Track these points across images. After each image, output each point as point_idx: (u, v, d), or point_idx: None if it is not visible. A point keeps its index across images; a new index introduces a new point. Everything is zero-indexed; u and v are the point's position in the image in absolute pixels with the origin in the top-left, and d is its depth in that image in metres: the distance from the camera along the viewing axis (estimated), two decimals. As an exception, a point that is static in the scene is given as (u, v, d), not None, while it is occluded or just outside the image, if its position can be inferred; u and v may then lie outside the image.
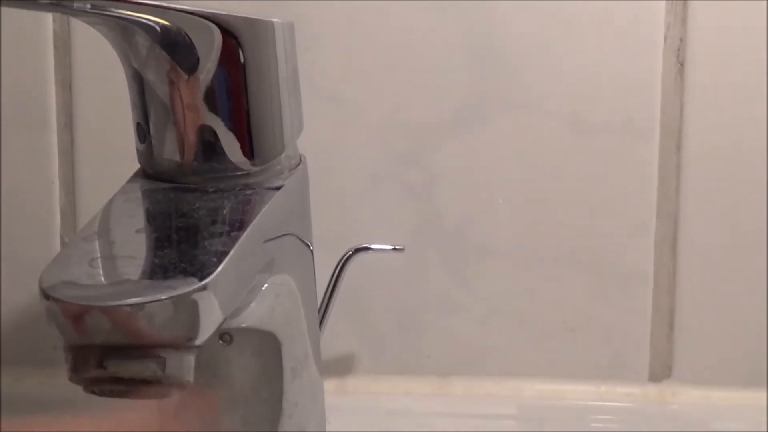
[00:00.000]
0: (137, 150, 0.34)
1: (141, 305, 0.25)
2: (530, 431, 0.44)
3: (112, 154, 0.45)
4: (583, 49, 0.44)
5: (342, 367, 0.48)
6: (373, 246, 0.42)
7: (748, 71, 0.44)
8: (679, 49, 0.44)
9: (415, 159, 0.46)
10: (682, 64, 0.44)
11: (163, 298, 0.25)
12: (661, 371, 0.46)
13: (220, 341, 0.34)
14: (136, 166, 0.35)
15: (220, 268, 0.27)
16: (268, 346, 0.36)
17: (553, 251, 0.46)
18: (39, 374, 0.47)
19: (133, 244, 0.28)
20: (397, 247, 0.42)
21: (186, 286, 0.26)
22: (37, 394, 0.46)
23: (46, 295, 0.25)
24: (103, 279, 0.26)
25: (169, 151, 0.33)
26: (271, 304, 0.35)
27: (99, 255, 0.27)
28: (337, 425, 0.43)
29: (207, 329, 0.27)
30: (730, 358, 0.46)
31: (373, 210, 0.46)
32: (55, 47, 0.46)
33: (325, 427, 0.40)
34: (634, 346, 0.46)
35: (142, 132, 0.33)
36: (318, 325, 0.39)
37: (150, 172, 0.34)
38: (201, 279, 0.26)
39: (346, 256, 0.42)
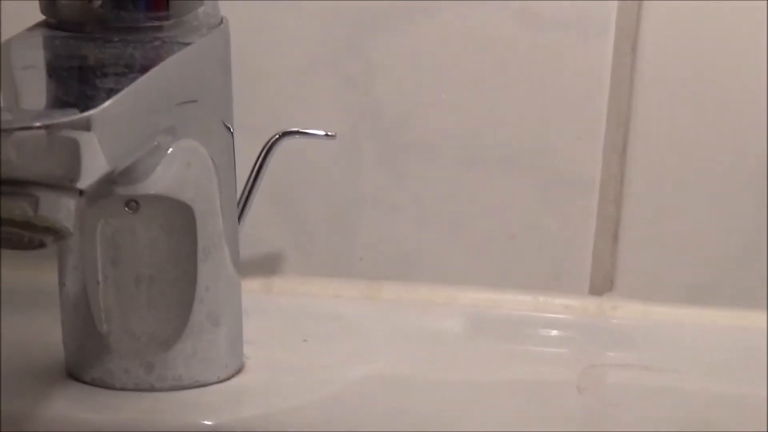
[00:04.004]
0: (38, -6, 0.31)
1: (8, 131, 0.22)
2: (461, 340, 0.42)
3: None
4: (537, -64, 0.42)
5: (267, 266, 0.45)
6: (302, 130, 0.39)
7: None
8: (639, -58, 0.42)
9: (355, 47, 0.43)
10: (641, -42, 0.42)
11: (36, 125, 0.22)
12: (602, 284, 0.44)
13: (126, 209, 0.31)
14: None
15: (107, 104, 0.24)
16: (178, 219, 0.33)
17: (496, 152, 0.43)
18: None
19: (16, 79, 0.25)
20: (329, 134, 0.39)
21: (64, 116, 0.23)
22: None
23: None
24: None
25: (75, -4, 0.30)
26: (182, 172, 0.32)
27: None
28: (260, 326, 0.40)
29: (89, 172, 0.24)
30: (674, 273, 0.44)
31: (308, 99, 0.43)
32: None
33: (241, 323, 0.37)
34: (575, 257, 0.44)
35: (43, -28, 0.30)
36: (236, 209, 0.36)
37: (52, 22, 0.31)
38: (83, 111, 0.23)
39: (272, 140, 0.39)
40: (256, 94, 0.43)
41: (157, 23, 0.30)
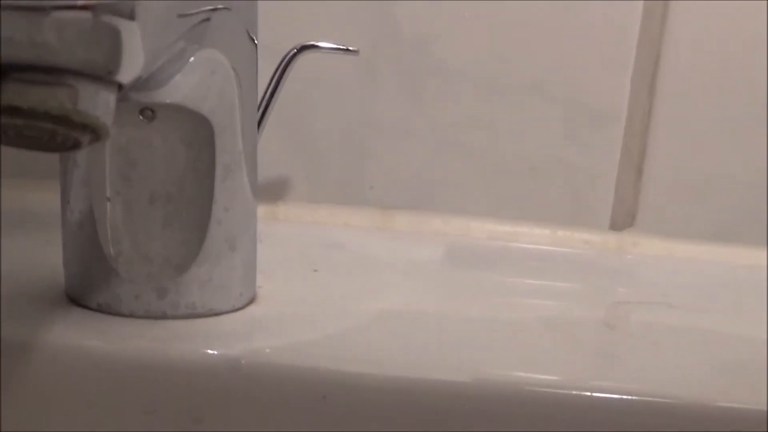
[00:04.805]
0: None
1: (47, 9, 0.19)
2: (478, 273, 0.40)
3: None
4: None
5: (275, 192, 0.42)
6: (321, 44, 0.36)
7: None
8: None
9: (375, -41, 0.40)
10: None
11: (79, 3, 0.19)
12: (623, 219, 0.43)
13: (141, 117, 0.29)
14: None
15: (153, -13, 0.21)
16: (197, 133, 0.30)
17: (519, 78, 0.41)
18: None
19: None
20: (350, 49, 0.37)
21: (110, -4, 0.20)
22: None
23: None
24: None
25: None
26: (203, 83, 0.29)
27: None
28: (269, 254, 0.38)
29: (130, 65, 0.21)
30: (697, 210, 0.42)
31: (324, 18, 0.40)
32: None
33: (256, 250, 0.35)
34: (597, 190, 0.42)
35: None
36: (256, 127, 0.34)
37: None
38: (129, -8, 0.20)
39: (290, 54, 0.36)
40: (272, 11, 0.40)
41: None
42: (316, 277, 0.38)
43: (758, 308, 0.39)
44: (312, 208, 0.42)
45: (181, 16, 0.26)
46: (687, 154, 0.42)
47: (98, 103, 0.20)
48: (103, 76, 0.20)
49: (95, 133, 0.21)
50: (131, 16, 0.21)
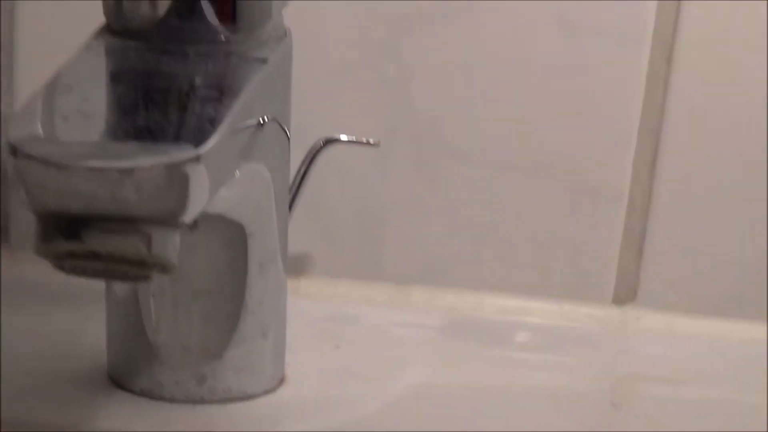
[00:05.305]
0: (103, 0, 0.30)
1: (131, 170, 0.21)
2: (491, 348, 0.42)
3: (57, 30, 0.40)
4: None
5: (296, 267, 0.45)
6: (344, 137, 0.39)
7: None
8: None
9: (391, 49, 0.43)
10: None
11: (157, 164, 0.21)
12: (626, 294, 0.45)
13: (185, 227, 0.31)
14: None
15: (216, 137, 0.23)
16: (235, 237, 0.32)
17: (528, 159, 0.43)
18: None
19: (111, 102, 0.24)
20: (371, 142, 0.39)
21: (181, 153, 0.22)
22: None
23: (14, 150, 0.21)
24: (82, 137, 0.22)
25: (143, 5, 0.29)
26: (244, 191, 0.31)
27: (72, 110, 0.23)
28: (291, 330, 0.40)
29: (196, 205, 0.23)
30: (698, 285, 0.45)
31: (344, 102, 0.43)
32: None
33: (285, 330, 0.37)
34: (601, 267, 0.45)
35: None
36: (287, 222, 0.36)
37: (117, 29, 0.30)
38: (196, 145, 0.22)
39: (317, 148, 0.38)
40: (293, 97, 0.42)
41: (226, 37, 0.30)
42: (339, 354, 0.40)
43: (761, 383, 0.41)
44: (332, 283, 0.45)
45: (233, 132, 0.28)
46: (687, 231, 0.44)
47: (168, 246, 0.23)
48: (171, 221, 0.23)
49: (164, 268, 0.23)
50: (198, 162, 0.23)
